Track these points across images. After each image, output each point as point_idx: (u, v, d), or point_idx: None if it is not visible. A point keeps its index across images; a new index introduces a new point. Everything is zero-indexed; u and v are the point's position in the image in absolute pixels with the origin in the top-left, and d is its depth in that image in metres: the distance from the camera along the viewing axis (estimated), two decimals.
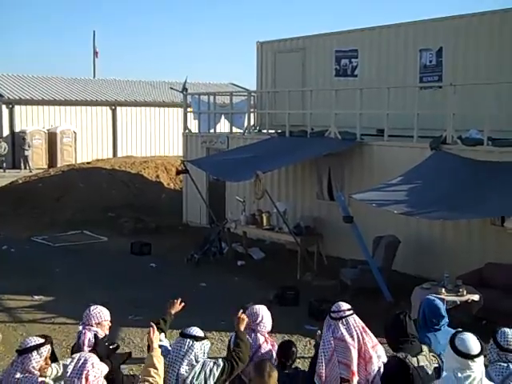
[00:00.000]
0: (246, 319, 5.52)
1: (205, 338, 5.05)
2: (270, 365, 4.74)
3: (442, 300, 9.36)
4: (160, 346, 5.01)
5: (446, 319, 5.86)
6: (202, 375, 4.93)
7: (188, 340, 4.98)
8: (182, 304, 5.79)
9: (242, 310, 5.61)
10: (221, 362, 5.09)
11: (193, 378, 4.91)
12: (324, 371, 5.09)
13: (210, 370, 4.98)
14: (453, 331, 5.87)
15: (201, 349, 4.99)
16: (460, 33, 14.57)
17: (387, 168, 12.91)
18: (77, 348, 5.54)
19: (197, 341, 4.98)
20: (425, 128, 13.26)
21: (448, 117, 12.71)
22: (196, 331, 5.05)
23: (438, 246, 12.45)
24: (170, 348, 5.17)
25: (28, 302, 11.43)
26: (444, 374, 4.60)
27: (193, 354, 4.95)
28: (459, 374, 4.38)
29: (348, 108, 14.94)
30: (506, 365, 4.89)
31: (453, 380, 4.41)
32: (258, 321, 5.69)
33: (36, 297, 11.61)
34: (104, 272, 13.43)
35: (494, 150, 11.90)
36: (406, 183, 11.47)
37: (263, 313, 5.75)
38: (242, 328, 5.44)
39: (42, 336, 4.93)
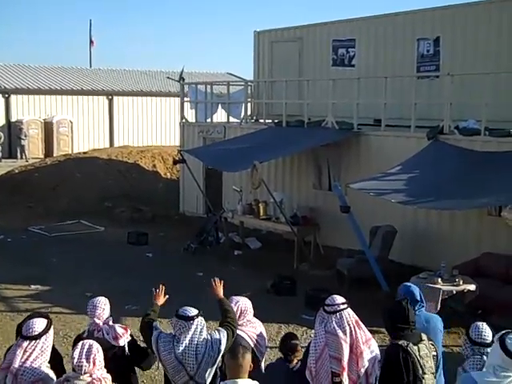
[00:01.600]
0: (220, 285, 5.70)
1: (200, 314, 5.22)
2: (242, 347, 4.77)
3: (438, 289, 9.46)
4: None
5: (423, 304, 5.90)
6: (216, 346, 5.15)
7: (190, 321, 5.13)
8: (166, 296, 5.82)
9: (214, 278, 5.74)
10: (223, 329, 5.29)
11: (206, 349, 5.13)
12: (315, 365, 5.05)
13: (219, 340, 5.18)
14: (429, 315, 5.93)
15: (201, 323, 5.17)
16: (457, 22, 14.52)
17: (384, 158, 12.89)
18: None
19: (195, 319, 5.15)
20: (422, 118, 13.24)
21: (445, 107, 12.70)
22: (191, 311, 5.19)
23: (434, 236, 12.45)
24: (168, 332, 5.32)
25: (25, 291, 11.44)
26: (487, 367, 4.61)
27: (198, 330, 5.13)
28: (502, 373, 4.41)
29: (345, 98, 14.91)
30: (479, 357, 4.98)
31: (491, 375, 4.44)
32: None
33: (33, 286, 11.62)
34: (100, 262, 13.43)
35: (491, 139, 11.88)
36: (404, 173, 11.46)
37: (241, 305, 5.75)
38: (221, 294, 5.63)
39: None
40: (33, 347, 4.78)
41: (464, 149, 12.01)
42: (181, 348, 5.11)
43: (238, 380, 4.50)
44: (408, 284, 6.15)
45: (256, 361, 5.43)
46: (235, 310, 5.63)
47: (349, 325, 5.11)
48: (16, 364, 4.70)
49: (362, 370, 5.08)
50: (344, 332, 5.07)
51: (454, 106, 12.64)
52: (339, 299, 5.23)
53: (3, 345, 8.42)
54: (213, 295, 5.67)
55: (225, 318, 5.42)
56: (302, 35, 18.01)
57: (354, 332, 5.11)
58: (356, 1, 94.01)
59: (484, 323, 5.16)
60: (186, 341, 5.12)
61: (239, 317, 5.64)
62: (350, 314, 5.17)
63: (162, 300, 5.78)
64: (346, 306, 5.19)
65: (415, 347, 5.04)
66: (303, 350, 5.62)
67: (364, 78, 15.16)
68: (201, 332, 5.16)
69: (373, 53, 16.33)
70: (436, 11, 15.03)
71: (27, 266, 12.81)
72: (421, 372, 5.00)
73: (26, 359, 4.74)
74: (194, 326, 5.14)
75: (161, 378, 7.96)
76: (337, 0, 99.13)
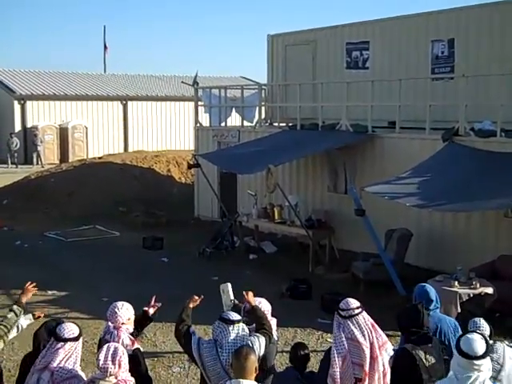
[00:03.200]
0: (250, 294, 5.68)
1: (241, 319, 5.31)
2: (247, 348, 4.78)
3: (455, 293, 9.38)
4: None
5: (438, 304, 5.88)
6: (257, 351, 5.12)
7: (232, 325, 5.18)
8: (201, 297, 5.89)
9: (246, 291, 5.73)
10: (260, 335, 5.31)
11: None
12: (338, 373, 4.99)
13: (259, 344, 5.21)
14: (443, 316, 5.91)
15: (243, 330, 5.22)
16: (472, 23, 14.44)
17: (399, 160, 12.84)
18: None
19: (238, 323, 5.22)
20: (437, 120, 13.18)
21: (460, 108, 12.62)
22: (234, 315, 5.27)
23: (450, 239, 12.38)
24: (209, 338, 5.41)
25: (41, 296, 11.46)
26: (450, 373, 4.54)
27: (240, 336, 5.17)
28: (463, 375, 4.31)
29: (359, 100, 14.87)
30: None
31: (454, 381, 4.36)
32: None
33: (49, 292, 11.66)
34: (116, 267, 13.47)
35: (507, 141, 11.80)
36: (418, 176, 11.40)
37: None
38: (254, 302, 5.64)
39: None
40: (73, 348, 5.07)
41: (480, 150, 11.94)
42: (225, 355, 5.10)
43: (243, 380, 4.53)
44: (423, 284, 6.15)
45: (265, 363, 5.46)
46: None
47: (366, 329, 5.08)
48: (55, 363, 4.97)
49: (377, 375, 5.06)
50: (364, 337, 5.05)
51: (469, 108, 12.57)
52: (354, 303, 5.17)
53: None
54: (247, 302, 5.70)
55: (261, 326, 5.44)
56: (315, 38, 17.99)
57: (370, 336, 5.08)
58: (369, 3, 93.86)
59: (481, 319, 5.17)
60: (229, 347, 5.11)
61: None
62: (365, 318, 5.12)
63: (196, 303, 5.84)
64: (360, 309, 5.14)
65: (422, 352, 5.01)
66: (315, 355, 5.59)
67: (378, 80, 15.12)
68: (242, 339, 5.17)
69: (387, 55, 16.27)
70: (450, 13, 14.95)
71: (44, 271, 12.85)
72: (427, 376, 4.95)
73: (63, 359, 5.01)
74: (235, 331, 5.16)
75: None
76: (350, 3, 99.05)
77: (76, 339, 5.10)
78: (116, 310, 5.70)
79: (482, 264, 10.80)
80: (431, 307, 5.78)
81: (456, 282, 9.57)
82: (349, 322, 5.07)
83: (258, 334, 5.31)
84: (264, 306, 5.78)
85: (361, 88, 15.21)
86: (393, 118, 14.06)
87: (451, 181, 10.97)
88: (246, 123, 18.15)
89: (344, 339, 5.04)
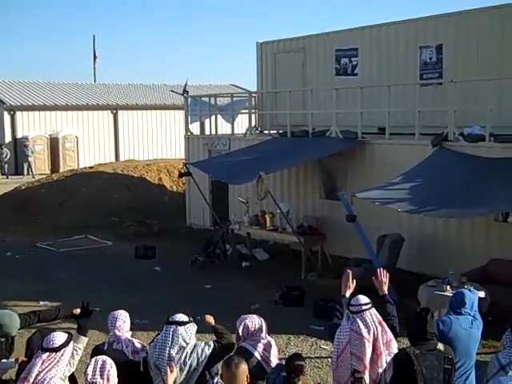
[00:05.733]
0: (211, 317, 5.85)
1: (189, 322, 5.39)
2: (237, 357, 4.81)
3: (447, 297, 9.40)
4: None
5: (470, 308, 5.92)
6: (194, 354, 5.28)
7: (173, 326, 5.31)
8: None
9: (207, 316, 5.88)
10: (211, 343, 5.44)
11: (185, 357, 5.27)
12: (336, 360, 5.23)
13: (202, 350, 5.32)
14: (476, 322, 5.95)
15: (186, 332, 5.32)
16: (459, 29, 14.53)
17: (389, 166, 12.88)
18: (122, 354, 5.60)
19: (180, 325, 5.31)
20: (426, 125, 13.24)
21: (449, 113, 12.69)
22: (179, 317, 5.39)
23: (442, 244, 12.42)
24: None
25: (33, 307, 11.38)
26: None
27: (180, 337, 5.28)
28: None
29: (349, 107, 14.94)
30: None
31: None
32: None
33: (41, 302, 11.61)
34: (109, 276, 13.45)
35: (496, 146, 11.87)
36: (409, 181, 11.46)
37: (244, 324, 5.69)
38: (213, 322, 5.80)
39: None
40: (52, 359, 4.83)
41: (469, 155, 12.00)
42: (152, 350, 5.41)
43: None
44: (461, 289, 6.33)
45: (262, 374, 5.42)
46: (241, 329, 5.60)
47: (373, 325, 5.23)
48: (33, 374, 4.78)
49: (380, 370, 5.17)
50: (368, 332, 5.20)
51: (458, 113, 12.64)
52: (363, 299, 5.36)
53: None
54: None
55: (219, 336, 5.57)
56: (304, 45, 18.06)
57: (376, 332, 5.22)
58: (358, 10, 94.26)
59: None
60: (157, 342, 5.41)
61: (249, 335, 5.57)
62: (373, 314, 5.29)
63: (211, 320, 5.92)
64: (369, 305, 5.32)
65: (422, 357, 5.04)
66: (309, 361, 5.60)
67: (367, 86, 15.19)
68: (184, 340, 5.33)
69: (375, 61, 16.35)
70: (438, 18, 15.04)
71: (36, 281, 12.83)
72: (422, 383, 4.98)
73: (42, 370, 4.79)
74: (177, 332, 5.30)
75: None
76: (339, 10, 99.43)
77: (56, 350, 4.84)
78: (120, 317, 5.75)
79: (473, 268, 10.85)
80: (464, 308, 5.86)
81: (448, 287, 9.61)
82: (356, 317, 5.26)
83: (207, 342, 5.44)
84: (257, 324, 5.63)
85: (350, 94, 15.28)
86: (382, 124, 14.12)
87: (442, 186, 11.02)
88: (236, 131, 18.18)
89: (348, 330, 5.24)
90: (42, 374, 4.77)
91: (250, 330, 5.57)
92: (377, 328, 5.23)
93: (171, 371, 5.10)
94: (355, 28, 16.95)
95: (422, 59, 15.23)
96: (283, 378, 5.33)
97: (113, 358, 4.88)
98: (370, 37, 16.50)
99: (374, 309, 5.33)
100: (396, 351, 5.26)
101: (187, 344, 5.29)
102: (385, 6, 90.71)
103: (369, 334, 5.18)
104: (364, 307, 5.28)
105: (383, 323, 5.29)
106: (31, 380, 4.76)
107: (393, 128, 13.82)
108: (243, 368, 4.64)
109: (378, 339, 5.20)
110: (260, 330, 5.61)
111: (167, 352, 5.25)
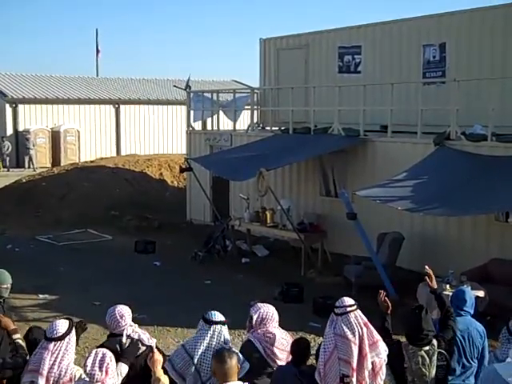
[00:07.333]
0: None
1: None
2: (227, 350, 4.82)
3: (446, 296, 9.40)
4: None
5: (470, 306, 5.98)
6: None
7: (217, 326, 5.20)
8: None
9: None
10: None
11: None
12: (323, 368, 5.10)
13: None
14: (474, 322, 5.97)
15: (226, 332, 5.24)
16: (463, 28, 14.51)
17: (391, 164, 12.87)
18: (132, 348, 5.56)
19: (223, 325, 5.24)
20: (428, 124, 13.22)
21: (452, 112, 12.68)
22: (219, 316, 5.27)
23: (442, 242, 12.42)
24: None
25: (33, 300, 11.45)
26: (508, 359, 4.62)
27: (222, 337, 5.19)
28: None
29: (351, 104, 14.92)
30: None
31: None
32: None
33: (41, 295, 11.63)
34: (109, 270, 13.44)
35: (498, 145, 11.86)
36: (410, 179, 11.44)
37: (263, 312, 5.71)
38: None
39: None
40: (59, 348, 4.85)
41: (471, 154, 11.99)
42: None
43: (229, 383, 4.56)
44: (461, 287, 6.41)
45: (265, 366, 5.46)
46: (256, 317, 5.61)
47: (357, 326, 5.15)
48: (45, 367, 4.78)
49: (366, 372, 5.11)
50: (353, 334, 5.10)
51: (461, 112, 12.61)
52: (348, 301, 5.27)
53: None
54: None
55: None
56: (307, 42, 18.04)
57: (361, 333, 5.14)
58: (362, 8, 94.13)
59: None
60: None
61: (259, 324, 5.61)
62: (358, 316, 5.20)
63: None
64: (354, 307, 5.22)
65: (413, 354, 5.15)
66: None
67: (370, 84, 15.17)
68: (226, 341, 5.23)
69: (378, 59, 16.32)
70: (441, 17, 15.03)
71: (35, 275, 12.82)
72: (411, 378, 5.15)
73: (55, 361, 4.81)
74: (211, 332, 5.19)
75: None
76: (342, 7, 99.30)
77: (60, 339, 4.86)
78: (122, 310, 5.69)
79: (473, 267, 10.84)
80: (464, 308, 5.92)
81: (448, 286, 9.61)
82: (340, 319, 5.16)
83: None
84: (264, 311, 5.70)
85: (353, 92, 15.25)
86: (385, 122, 14.11)
87: (442, 185, 11.01)
88: (238, 127, 18.17)
89: (332, 335, 5.13)
90: (56, 366, 4.79)
91: (264, 318, 5.64)
92: (362, 329, 5.14)
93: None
94: (359, 26, 16.92)
95: (425, 58, 15.21)
96: (290, 364, 5.37)
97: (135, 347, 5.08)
98: (374, 35, 16.47)
99: (359, 310, 5.23)
100: (383, 352, 5.21)
101: (226, 344, 5.22)
102: (388, 4, 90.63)
103: (354, 336, 5.09)
104: (348, 309, 5.19)
105: (369, 324, 5.20)
106: (44, 373, 4.77)
107: (395, 126, 13.80)
108: (234, 360, 4.68)
109: (364, 341, 5.11)
110: (273, 319, 5.68)
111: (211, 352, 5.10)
